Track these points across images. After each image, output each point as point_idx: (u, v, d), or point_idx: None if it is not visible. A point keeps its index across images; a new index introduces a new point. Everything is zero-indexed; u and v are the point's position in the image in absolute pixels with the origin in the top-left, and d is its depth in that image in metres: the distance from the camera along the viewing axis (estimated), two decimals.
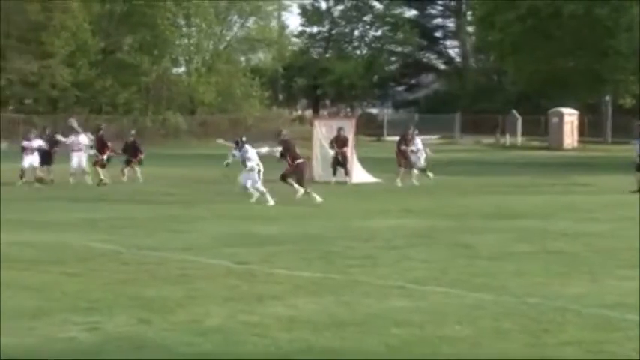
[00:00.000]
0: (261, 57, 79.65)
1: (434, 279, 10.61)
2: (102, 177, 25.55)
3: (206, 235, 14.64)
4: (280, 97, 79.63)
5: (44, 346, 7.46)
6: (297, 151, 21.87)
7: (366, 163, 29.23)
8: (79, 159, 26.32)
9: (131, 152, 27.71)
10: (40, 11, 62.61)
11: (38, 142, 26.40)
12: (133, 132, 30.79)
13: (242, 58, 76.96)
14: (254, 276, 10.75)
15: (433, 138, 62.67)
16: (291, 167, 21.36)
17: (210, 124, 62.87)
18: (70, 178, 26.06)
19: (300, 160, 21.65)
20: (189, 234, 14.78)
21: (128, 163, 27.45)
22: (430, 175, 27.22)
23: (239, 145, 21.28)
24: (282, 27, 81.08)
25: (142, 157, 27.74)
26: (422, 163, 28.03)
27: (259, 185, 20.65)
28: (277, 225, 16.22)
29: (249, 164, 20.68)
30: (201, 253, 12.43)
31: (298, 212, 18.67)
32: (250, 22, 75.82)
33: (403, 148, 27.59)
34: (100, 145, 26.74)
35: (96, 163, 26.28)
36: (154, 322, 8.27)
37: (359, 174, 28.03)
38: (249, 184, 20.79)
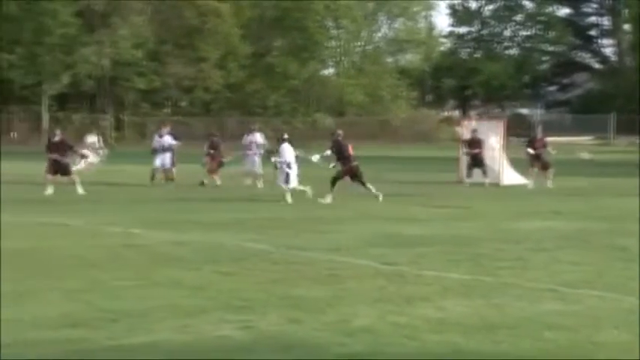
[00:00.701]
0: (409, 58, 79.52)
1: (587, 282, 10.35)
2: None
3: (353, 235, 14.70)
4: (428, 98, 79.27)
5: (198, 343, 7.64)
6: (351, 152, 21.78)
7: (516, 164, 28.78)
8: (253, 160, 26.55)
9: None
10: (196, 16, 64.38)
11: (169, 141, 26.88)
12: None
13: (390, 59, 77.03)
14: (402, 277, 10.73)
15: (586, 139, 61.18)
16: (345, 169, 21.42)
17: (358, 126, 63.21)
18: (246, 179, 26.36)
19: (354, 163, 21.61)
20: (336, 234, 14.88)
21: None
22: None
23: (278, 143, 21.54)
24: (431, 27, 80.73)
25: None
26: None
27: (283, 183, 21.01)
28: (425, 226, 16.16)
29: (276, 161, 20.88)
30: (349, 254, 12.49)
31: (446, 214, 18.54)
32: (398, 23, 75.84)
33: (529, 150, 27.11)
34: None
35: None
36: (305, 321, 8.36)
37: (509, 175, 27.65)
38: (280, 181, 21.03)
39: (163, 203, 20.05)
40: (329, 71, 72.99)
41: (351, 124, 65.21)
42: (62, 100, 65.79)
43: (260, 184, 25.74)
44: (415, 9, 76.35)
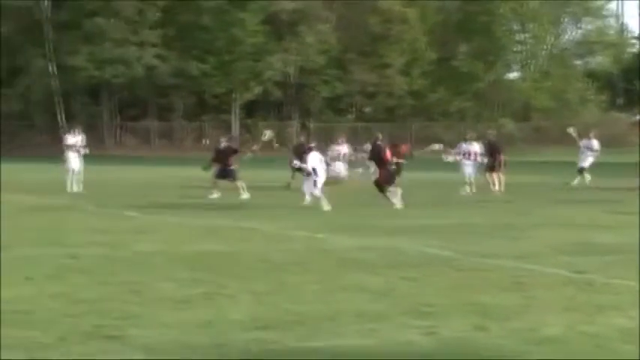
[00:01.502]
0: (599, 60, 77.26)
1: None
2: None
3: (541, 242, 14.41)
4: (619, 101, 76.70)
5: (383, 348, 7.68)
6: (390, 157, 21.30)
7: None
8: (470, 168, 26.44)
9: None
10: (380, 23, 64.86)
11: (344, 149, 27.12)
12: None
13: (578, 62, 75.09)
14: (592, 285, 10.44)
15: None
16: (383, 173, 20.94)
17: (544, 130, 61.95)
18: (467, 187, 26.20)
19: (392, 167, 21.22)
20: (523, 241, 14.63)
21: (491, 169, 26.82)
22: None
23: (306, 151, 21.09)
24: (622, 29, 78.18)
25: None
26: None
27: (311, 190, 20.37)
28: (615, 233, 15.66)
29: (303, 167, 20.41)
30: (536, 261, 12.25)
31: (638, 221, 17.87)
32: (587, 24, 73.87)
33: None
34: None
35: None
36: (490, 328, 8.25)
37: None
38: (305, 188, 20.65)
39: (347, 209, 20.27)
40: (514, 75, 71.85)
41: (537, 128, 63.97)
42: (251, 109, 67.66)
43: (466, 191, 25.70)
44: (604, 11, 74.12)
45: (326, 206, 19.88)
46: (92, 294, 9.53)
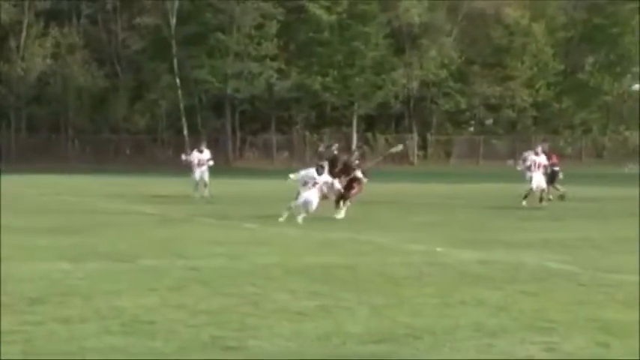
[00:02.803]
0: None
1: None
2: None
3: None
4: None
5: None
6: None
7: None
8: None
9: None
10: (503, 36, 64.23)
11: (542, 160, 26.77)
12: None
13: None
14: None
15: None
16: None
17: None
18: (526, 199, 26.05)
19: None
20: None
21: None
22: None
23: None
24: None
25: None
26: None
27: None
28: None
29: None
30: None
31: None
32: None
33: None
34: None
35: None
36: (613, 345, 8.05)
37: None
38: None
39: (466, 222, 20.08)
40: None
41: None
42: (370, 122, 67.82)
43: None
44: None
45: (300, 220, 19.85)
46: (212, 305, 9.69)
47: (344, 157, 22.40)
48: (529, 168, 26.13)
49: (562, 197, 27.47)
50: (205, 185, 28.93)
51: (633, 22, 63.54)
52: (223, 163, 56.20)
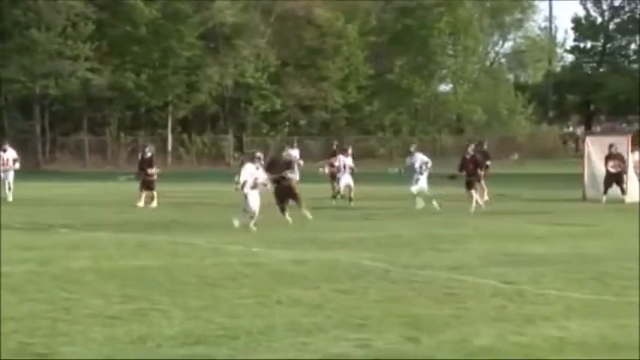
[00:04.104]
0: (531, 73, 78.54)
1: None
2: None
3: (474, 254, 14.55)
4: (551, 114, 77.92)
5: None
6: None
7: None
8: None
9: None
10: (316, 37, 65.09)
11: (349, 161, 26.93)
12: None
13: (510, 76, 76.24)
14: (523, 296, 10.56)
15: None
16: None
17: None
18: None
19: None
20: (456, 253, 14.76)
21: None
22: None
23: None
24: (553, 42, 79.57)
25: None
26: None
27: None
28: (547, 244, 15.87)
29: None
30: (469, 273, 12.36)
31: (570, 232, 18.18)
32: (518, 37, 75.09)
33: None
34: None
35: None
36: (423, 340, 8.30)
37: (635, 192, 26.94)
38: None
39: (281, 222, 20.23)
40: (447, 88, 72.64)
41: (471, 142, 64.76)
42: (186, 123, 67.29)
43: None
44: (535, 26, 75.47)
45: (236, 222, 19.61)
46: (20, 311, 9.37)
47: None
48: (338, 169, 26.57)
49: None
50: (9, 188, 27.56)
51: (440, 24, 65.71)
52: (33, 166, 54.38)
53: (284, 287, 11.21)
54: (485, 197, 25.43)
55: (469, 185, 23.88)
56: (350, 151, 27.56)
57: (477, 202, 23.69)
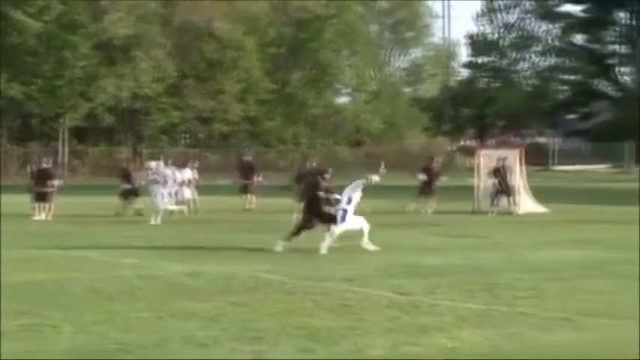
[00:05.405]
0: (427, 87, 79.88)
1: (602, 311, 10.30)
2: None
3: (369, 266, 14.67)
4: (446, 127, 79.35)
5: None
6: None
7: (534, 192, 28.68)
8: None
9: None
10: (216, 50, 64.81)
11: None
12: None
13: (407, 89, 77.37)
14: (417, 307, 10.70)
15: (603, 167, 61.01)
16: None
17: (375, 156, 63.34)
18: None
19: None
20: (352, 264, 14.86)
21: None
22: None
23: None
24: (449, 57, 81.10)
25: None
26: None
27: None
28: (441, 256, 16.11)
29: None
30: (364, 284, 12.47)
31: (463, 243, 18.48)
32: (415, 52, 76.27)
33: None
34: None
35: None
36: (318, 352, 8.34)
37: (526, 204, 27.57)
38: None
39: (176, 235, 20.07)
40: (345, 100, 73.22)
41: (369, 154, 65.33)
42: (81, 135, 66.15)
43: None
44: (430, 39, 76.79)
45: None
46: None
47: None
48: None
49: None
50: None
51: (327, 35, 66.11)
52: None
53: (179, 300, 11.12)
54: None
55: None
56: (196, 164, 27.67)
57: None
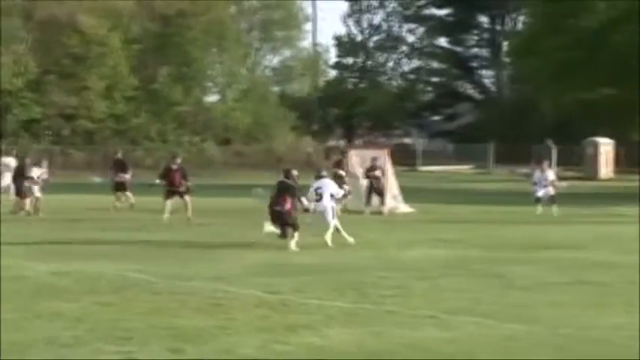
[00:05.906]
0: (295, 87, 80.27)
1: (467, 309, 10.57)
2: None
3: (238, 264, 14.67)
4: (314, 127, 79.90)
5: None
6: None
7: (400, 192, 29.18)
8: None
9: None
10: (79, 45, 63.43)
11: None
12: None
13: (276, 89, 77.55)
14: (286, 306, 10.77)
15: (467, 168, 62.62)
16: None
17: (244, 154, 63.27)
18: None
19: None
20: (221, 263, 14.83)
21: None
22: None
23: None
24: (317, 57, 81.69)
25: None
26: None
27: None
28: (310, 255, 16.23)
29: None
30: (233, 283, 12.46)
31: (332, 242, 18.63)
32: (284, 51, 76.54)
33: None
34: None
35: None
36: (187, 351, 8.31)
37: (396, 204, 28.06)
38: None
39: (44, 234, 19.61)
40: (213, 98, 72.83)
41: (238, 152, 65.28)
42: None
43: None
44: (299, 42, 77.22)
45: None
46: None
47: None
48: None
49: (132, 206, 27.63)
50: None
51: (194, 32, 65.66)
52: None
53: (45, 300, 10.90)
54: None
55: (168, 195, 23.92)
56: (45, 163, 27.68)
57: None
